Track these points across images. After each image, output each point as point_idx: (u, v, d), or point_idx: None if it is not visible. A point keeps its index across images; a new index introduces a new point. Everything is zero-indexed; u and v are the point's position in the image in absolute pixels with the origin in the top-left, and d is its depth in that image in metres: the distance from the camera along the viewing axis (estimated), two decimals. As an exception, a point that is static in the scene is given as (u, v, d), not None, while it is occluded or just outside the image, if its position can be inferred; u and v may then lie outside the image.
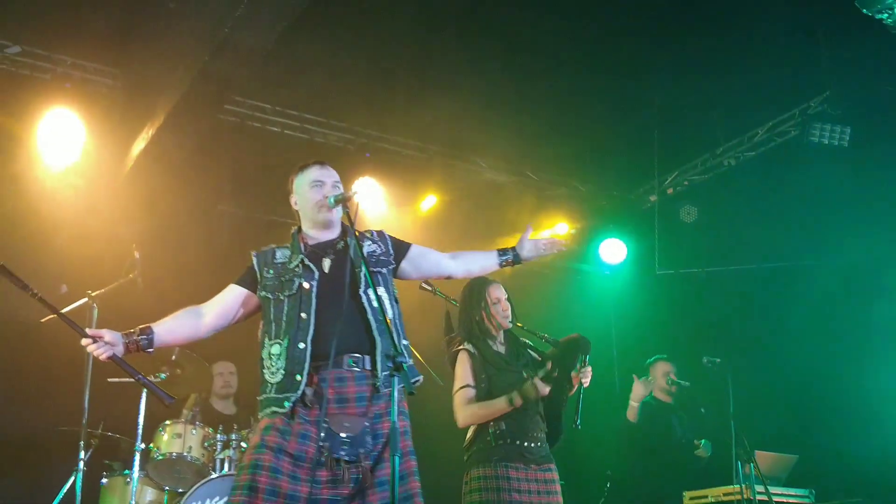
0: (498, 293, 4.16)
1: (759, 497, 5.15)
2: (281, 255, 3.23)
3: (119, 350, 2.93)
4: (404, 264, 3.38)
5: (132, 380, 4.92)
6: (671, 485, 5.75)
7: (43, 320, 5.06)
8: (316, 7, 5.29)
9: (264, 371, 3.10)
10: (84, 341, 2.92)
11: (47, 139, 6.06)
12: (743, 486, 5.04)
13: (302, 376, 2.97)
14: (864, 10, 5.10)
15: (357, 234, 3.23)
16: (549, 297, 7.91)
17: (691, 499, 5.59)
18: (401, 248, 3.39)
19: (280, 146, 6.91)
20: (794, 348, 6.69)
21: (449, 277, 3.59)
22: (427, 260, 3.48)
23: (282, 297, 3.13)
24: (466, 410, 3.94)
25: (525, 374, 4.07)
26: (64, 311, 5.10)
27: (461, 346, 4.07)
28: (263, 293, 3.14)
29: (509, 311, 4.15)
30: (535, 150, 7.56)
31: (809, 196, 6.65)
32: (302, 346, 2.99)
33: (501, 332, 4.15)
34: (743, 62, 6.09)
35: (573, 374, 3.97)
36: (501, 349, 4.13)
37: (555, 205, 8.07)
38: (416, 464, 3.05)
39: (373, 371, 3.02)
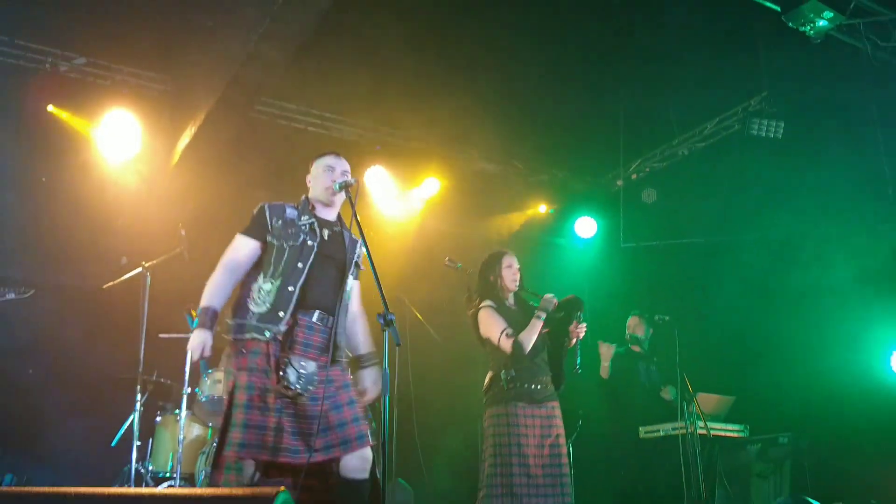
0: (511, 261, 4.40)
1: (700, 431, 5.39)
2: (291, 212, 3.34)
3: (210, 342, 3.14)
4: (356, 282, 3.56)
5: (179, 336, 5.46)
6: (633, 423, 5.91)
7: (105, 286, 5.67)
8: (329, 25, 5.51)
9: (249, 301, 3.21)
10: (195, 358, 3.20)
11: (108, 135, 6.18)
12: (688, 422, 5.25)
13: (285, 314, 3.15)
14: (790, 24, 5.33)
15: (343, 224, 3.47)
16: (533, 266, 7.46)
17: (645, 433, 5.79)
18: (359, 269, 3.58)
19: (304, 140, 7.05)
20: (733, 307, 6.87)
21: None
22: (355, 290, 3.59)
23: (285, 246, 3.24)
24: (521, 340, 4.08)
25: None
26: (122, 278, 5.60)
27: (483, 304, 4.28)
28: (271, 238, 3.24)
29: (518, 277, 4.38)
30: (520, 142, 7.75)
31: (749, 181, 6.85)
32: (291, 289, 3.16)
33: (511, 294, 4.40)
34: (694, 66, 6.20)
35: (571, 328, 4.22)
36: (513, 306, 4.37)
37: (537, 189, 8.27)
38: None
39: (333, 330, 3.24)
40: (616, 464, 6.10)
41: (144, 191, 6.52)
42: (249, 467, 3.08)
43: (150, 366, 5.61)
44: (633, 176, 8.00)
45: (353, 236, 3.46)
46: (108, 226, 6.29)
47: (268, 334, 3.09)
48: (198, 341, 3.07)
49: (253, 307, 3.17)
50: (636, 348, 6.16)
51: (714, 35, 5.88)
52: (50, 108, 6.07)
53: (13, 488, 2.77)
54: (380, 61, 6.25)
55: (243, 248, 3.24)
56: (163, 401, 5.78)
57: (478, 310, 4.27)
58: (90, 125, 6.22)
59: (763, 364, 6.57)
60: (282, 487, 2.08)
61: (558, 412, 4.21)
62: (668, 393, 5.84)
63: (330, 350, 3.14)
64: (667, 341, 5.67)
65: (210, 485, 3.48)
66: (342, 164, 3.43)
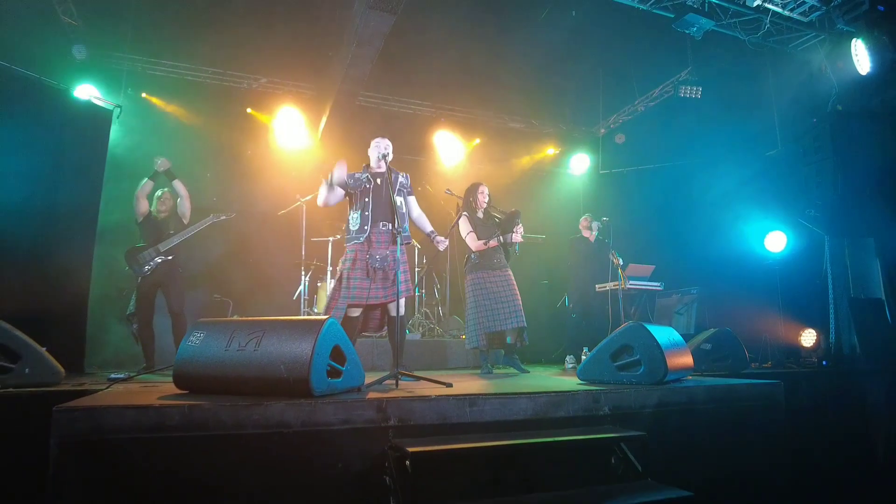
0: (483, 189, 4.88)
1: (630, 286, 6.11)
2: (358, 175, 3.94)
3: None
4: (409, 199, 4.11)
5: (322, 238, 6.11)
6: (586, 281, 6.28)
7: (280, 213, 6.41)
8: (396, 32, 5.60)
9: (349, 224, 3.85)
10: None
11: (282, 124, 6.94)
12: (621, 281, 5.91)
13: (367, 229, 3.79)
14: (678, 29, 5.62)
15: (393, 172, 3.96)
16: (544, 189, 8.61)
17: (597, 288, 6.23)
18: (410, 191, 4.11)
19: (395, 117, 7.77)
20: (664, 208, 7.46)
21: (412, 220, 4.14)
22: (412, 205, 4.12)
23: (357, 192, 3.88)
24: (477, 243, 4.71)
25: (496, 230, 4.77)
26: (290, 208, 6.22)
27: (462, 214, 4.83)
28: (350, 190, 3.88)
29: (487, 198, 4.88)
30: (536, 107, 8.25)
31: (682, 128, 7.33)
32: (366, 214, 3.80)
33: (481, 210, 4.89)
34: (647, 46, 6.60)
35: (514, 228, 4.72)
36: (481, 217, 4.87)
37: (547, 138, 8.67)
38: (409, 277, 3.78)
39: (392, 232, 3.73)
40: (577, 306, 6.36)
41: (297, 159, 7.09)
42: (356, 310, 3.81)
43: (309, 256, 6.34)
44: (612, 125, 8.46)
45: (397, 176, 4.01)
46: (282, 176, 6.89)
47: (361, 239, 3.80)
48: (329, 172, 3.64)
49: (352, 226, 3.87)
50: (590, 236, 6.34)
51: (659, 22, 5.96)
52: (248, 110, 7.08)
53: (218, 319, 3.12)
54: (437, 57, 6.52)
55: (340, 190, 3.87)
56: (319, 276, 6.36)
57: (459, 217, 4.84)
58: (271, 119, 7.01)
59: (678, 243, 7.03)
60: (329, 316, 2.67)
61: (510, 273, 4.75)
62: (614, 257, 6.01)
63: (397, 242, 3.66)
64: (608, 232, 6.09)
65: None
66: (385, 143, 4.02)
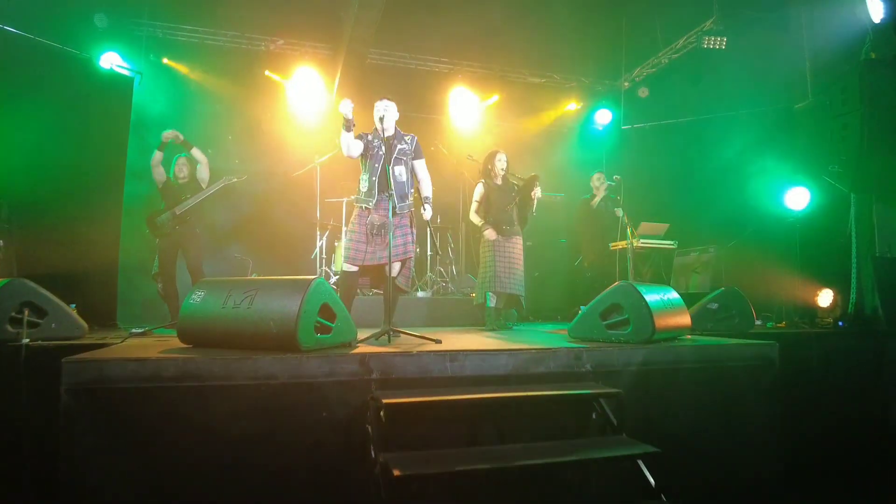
0: (501, 156, 4.95)
1: (643, 244, 5.99)
2: (370, 136, 3.91)
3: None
4: (414, 163, 4.02)
5: (336, 199, 6.17)
6: (599, 238, 6.30)
7: (294, 174, 6.48)
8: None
9: (360, 186, 3.88)
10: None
11: (298, 83, 6.96)
12: (632, 239, 5.85)
13: (374, 194, 3.84)
14: None
15: (398, 136, 3.88)
16: (564, 146, 8.41)
17: (611, 247, 6.15)
18: (417, 154, 4.00)
19: (410, 74, 7.61)
20: (683, 164, 7.16)
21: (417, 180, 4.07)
22: (417, 168, 4.02)
23: (367, 156, 3.87)
24: (475, 217, 4.89)
25: (514, 195, 4.84)
26: (305, 169, 6.27)
27: (480, 182, 5.00)
28: (363, 152, 3.87)
29: (505, 164, 4.96)
30: (556, 60, 7.93)
31: (708, 81, 6.95)
32: (374, 179, 3.83)
33: (500, 177, 4.96)
34: None
35: (531, 192, 4.86)
36: (500, 183, 4.96)
37: (569, 92, 8.36)
38: (412, 239, 3.82)
39: (390, 201, 3.71)
40: (593, 264, 6.45)
41: (320, 116, 7.15)
42: (353, 267, 3.87)
43: (324, 217, 6.48)
44: (637, 79, 8.12)
45: (398, 143, 3.88)
46: (300, 136, 6.97)
47: (371, 202, 3.84)
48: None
49: (362, 188, 3.94)
50: (597, 193, 6.35)
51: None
52: (266, 72, 7.08)
53: (218, 278, 3.32)
54: (453, 11, 6.48)
55: (359, 142, 3.88)
56: (336, 235, 6.34)
57: (477, 184, 5.02)
58: (287, 79, 7.02)
59: (697, 200, 6.82)
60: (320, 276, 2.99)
61: (520, 243, 4.90)
62: (619, 212, 6.03)
63: (390, 210, 3.72)
64: (619, 191, 6.00)
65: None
66: (383, 104, 3.91)
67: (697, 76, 7.12)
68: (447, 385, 2.95)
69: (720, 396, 3.44)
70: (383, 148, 3.85)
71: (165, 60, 6.80)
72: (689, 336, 4.20)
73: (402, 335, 3.71)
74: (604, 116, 8.41)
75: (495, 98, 8.05)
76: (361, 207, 3.90)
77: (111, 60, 6.15)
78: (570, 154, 8.36)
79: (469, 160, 5.21)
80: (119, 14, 6.31)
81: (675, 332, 3.90)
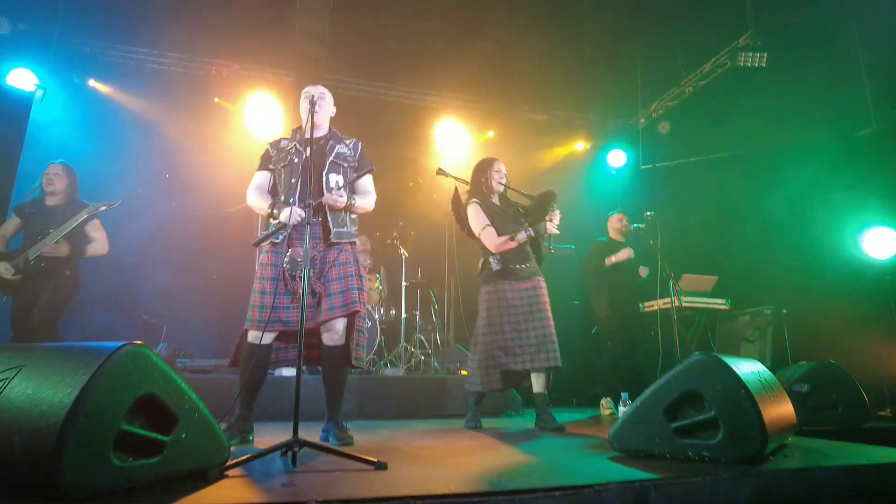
0: (499, 166, 3.72)
1: (687, 304, 4.76)
2: (285, 143, 2.92)
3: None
4: (360, 180, 2.94)
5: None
6: (623, 299, 4.99)
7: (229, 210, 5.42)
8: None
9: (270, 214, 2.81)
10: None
11: (252, 111, 6.10)
12: (673, 297, 4.54)
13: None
14: None
15: (335, 137, 2.92)
16: (572, 191, 7.03)
17: (645, 308, 5.11)
18: (362, 165, 2.92)
19: (391, 107, 6.62)
20: (723, 209, 6.07)
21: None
22: (360, 184, 2.94)
23: (280, 168, 2.84)
24: (498, 240, 3.50)
25: (523, 220, 3.63)
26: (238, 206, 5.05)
27: (472, 200, 3.63)
28: (272, 166, 2.86)
29: (504, 179, 3.69)
30: (561, 95, 6.96)
31: (744, 109, 5.85)
32: (293, 198, 2.74)
33: (496, 195, 3.71)
34: (695, 10, 5.45)
35: (546, 217, 3.58)
36: (497, 203, 3.69)
37: (576, 131, 7.40)
38: (359, 284, 2.77)
39: (321, 225, 2.78)
40: (614, 332, 4.93)
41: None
42: (266, 335, 2.76)
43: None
44: (654, 114, 7.08)
45: (336, 145, 2.91)
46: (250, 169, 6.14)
47: (279, 236, 2.78)
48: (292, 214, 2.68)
49: (273, 215, 2.87)
50: (619, 238, 5.13)
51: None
52: (216, 99, 6.13)
53: None
54: (440, 46, 5.86)
55: (263, 177, 2.94)
56: None
57: (467, 206, 3.64)
58: (240, 107, 6.12)
59: (746, 250, 5.69)
60: (137, 342, 1.57)
61: (543, 284, 3.51)
62: (644, 272, 4.97)
63: (321, 238, 2.80)
64: (650, 234, 4.72)
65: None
66: (318, 90, 2.92)
67: (730, 104, 6.00)
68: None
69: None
70: (308, 151, 2.73)
71: (92, 82, 5.66)
72: (790, 439, 2.63)
73: (320, 452, 2.12)
74: (617, 158, 7.32)
75: (490, 134, 7.03)
76: (273, 242, 2.75)
77: (23, 77, 5.09)
78: (579, 200, 7.00)
79: (439, 174, 3.82)
80: (30, 22, 5.19)
81: (784, 437, 2.35)
